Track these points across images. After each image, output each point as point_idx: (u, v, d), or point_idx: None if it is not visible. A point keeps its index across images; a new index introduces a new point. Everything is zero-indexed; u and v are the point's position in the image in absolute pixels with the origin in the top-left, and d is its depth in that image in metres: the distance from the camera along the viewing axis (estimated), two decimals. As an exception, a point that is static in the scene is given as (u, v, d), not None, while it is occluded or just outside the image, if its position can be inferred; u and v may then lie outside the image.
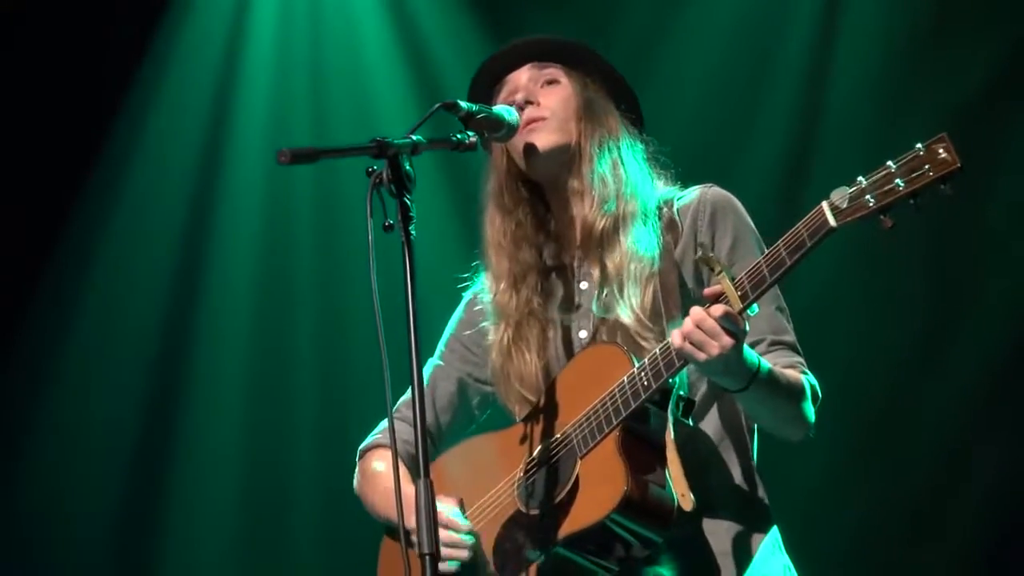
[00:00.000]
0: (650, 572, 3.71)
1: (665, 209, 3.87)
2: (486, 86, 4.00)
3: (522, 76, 3.95)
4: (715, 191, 3.90)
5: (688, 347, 3.46)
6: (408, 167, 3.48)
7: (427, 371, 4.07)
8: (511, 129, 3.81)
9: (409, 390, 3.77)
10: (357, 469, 4.10)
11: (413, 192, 3.48)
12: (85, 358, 6.94)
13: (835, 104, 6.43)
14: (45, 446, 6.94)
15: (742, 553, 3.75)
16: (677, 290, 3.79)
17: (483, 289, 4.05)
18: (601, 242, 3.83)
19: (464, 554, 3.74)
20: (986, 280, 6.24)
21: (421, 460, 3.35)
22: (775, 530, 3.83)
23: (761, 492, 3.83)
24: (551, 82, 3.94)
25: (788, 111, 6.50)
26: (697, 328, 3.45)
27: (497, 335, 3.92)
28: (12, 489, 6.90)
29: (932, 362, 6.26)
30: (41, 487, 6.91)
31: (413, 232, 3.45)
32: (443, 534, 3.68)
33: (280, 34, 6.92)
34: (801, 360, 3.77)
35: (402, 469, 3.66)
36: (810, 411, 3.73)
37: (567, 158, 3.90)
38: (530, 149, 3.87)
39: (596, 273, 3.84)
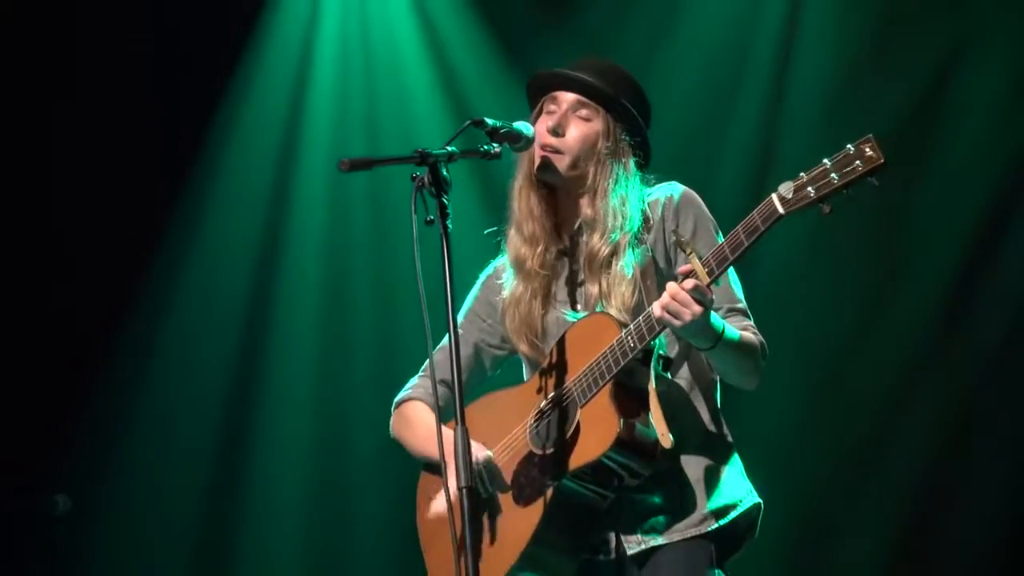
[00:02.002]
0: (638, 497, 3.79)
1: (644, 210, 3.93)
2: (538, 90, 4.00)
3: (563, 103, 3.94)
4: (682, 188, 3.95)
5: (666, 315, 3.58)
6: (445, 172, 3.60)
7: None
8: (528, 141, 3.87)
9: (436, 351, 4.00)
10: (393, 417, 4.16)
11: (449, 193, 3.59)
12: (172, 357, 6.81)
13: (795, 103, 6.39)
14: (137, 443, 6.72)
15: (712, 479, 3.83)
16: (654, 275, 3.88)
17: (497, 270, 4.11)
18: (600, 263, 3.87)
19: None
20: (921, 251, 6.22)
21: (458, 410, 3.48)
22: (737, 460, 3.90)
23: (726, 430, 3.89)
24: (585, 119, 3.93)
25: (755, 109, 6.45)
26: (673, 300, 3.56)
27: (513, 287, 3.99)
28: (102, 488, 6.64)
29: (872, 323, 6.25)
30: (132, 483, 6.72)
31: (450, 226, 3.56)
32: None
33: (340, 66, 6.92)
34: (752, 324, 3.84)
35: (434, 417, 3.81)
36: (762, 365, 3.83)
37: (580, 188, 3.93)
38: (542, 171, 3.94)
39: (587, 286, 3.91)
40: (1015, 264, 6.11)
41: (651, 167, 4.01)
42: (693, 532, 3.79)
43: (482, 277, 4.17)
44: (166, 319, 6.81)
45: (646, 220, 3.91)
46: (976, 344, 6.14)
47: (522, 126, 3.87)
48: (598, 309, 3.86)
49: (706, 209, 3.94)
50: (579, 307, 3.95)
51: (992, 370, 6.11)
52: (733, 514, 3.83)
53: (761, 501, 3.90)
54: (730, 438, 3.90)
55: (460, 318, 4.12)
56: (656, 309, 3.59)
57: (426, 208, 3.56)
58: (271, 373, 6.89)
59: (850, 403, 6.24)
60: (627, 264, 3.85)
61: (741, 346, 3.74)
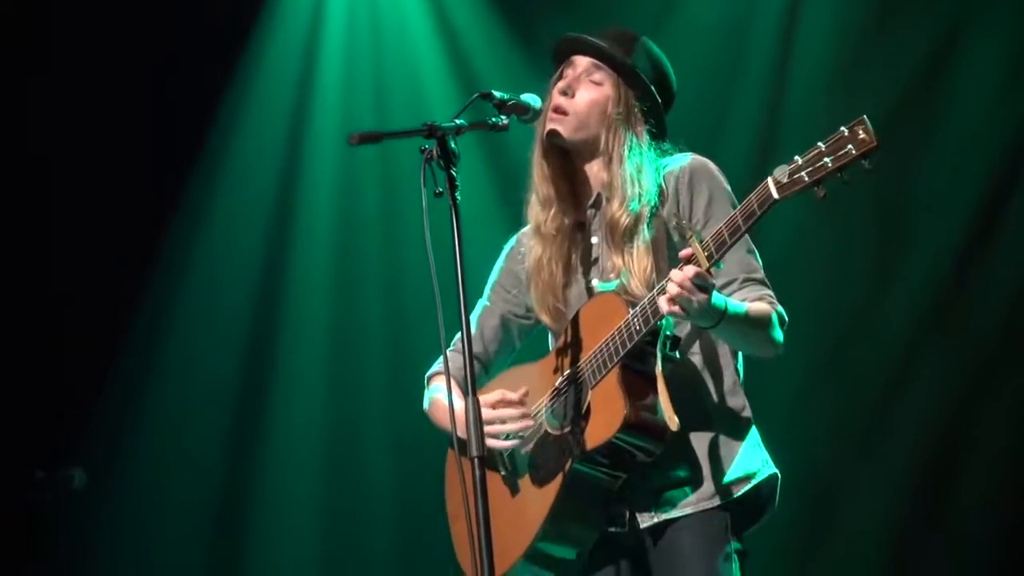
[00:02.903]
0: (651, 473, 3.78)
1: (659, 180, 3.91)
2: (559, 56, 4.00)
3: (578, 67, 3.94)
4: (694, 158, 3.93)
5: (674, 308, 3.55)
6: (453, 145, 3.59)
7: (477, 311, 4.14)
8: (536, 113, 3.86)
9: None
10: (425, 394, 4.15)
11: (458, 165, 3.58)
12: (189, 333, 6.81)
13: (796, 83, 6.40)
14: (154, 419, 6.71)
15: (727, 452, 3.82)
16: (665, 247, 3.87)
17: (520, 241, 4.11)
18: (622, 234, 3.85)
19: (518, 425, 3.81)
20: (924, 224, 6.25)
21: (469, 381, 3.50)
22: (755, 432, 3.88)
23: (743, 403, 3.87)
24: (596, 83, 3.93)
25: (756, 91, 6.46)
26: (679, 291, 3.53)
27: (536, 254, 3.98)
28: (111, 492, 6.58)
29: (877, 293, 6.27)
30: (142, 480, 6.68)
31: (458, 197, 3.56)
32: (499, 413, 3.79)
33: (347, 41, 6.93)
34: (770, 292, 3.81)
35: (458, 391, 3.76)
36: (778, 335, 3.79)
37: (592, 153, 3.93)
38: (550, 133, 3.93)
39: (610, 258, 3.90)
40: (1018, 234, 6.12)
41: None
42: (706, 505, 3.80)
43: (505, 249, 4.17)
44: (181, 297, 6.81)
45: (661, 193, 3.89)
46: (981, 314, 6.15)
47: (529, 98, 3.85)
48: (620, 281, 3.84)
49: (722, 178, 3.92)
50: (601, 278, 3.93)
51: (998, 339, 6.12)
52: (747, 486, 3.82)
53: (778, 471, 3.88)
54: (747, 411, 3.88)
55: (487, 290, 4.15)
56: (663, 304, 3.57)
57: (435, 180, 3.56)
58: (284, 349, 6.89)
59: (856, 373, 6.26)
60: (647, 237, 3.84)
61: (748, 319, 3.72)
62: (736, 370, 3.90)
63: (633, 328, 3.67)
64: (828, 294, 6.23)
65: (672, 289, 3.53)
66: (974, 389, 6.16)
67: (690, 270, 3.52)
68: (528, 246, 4.03)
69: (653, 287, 3.71)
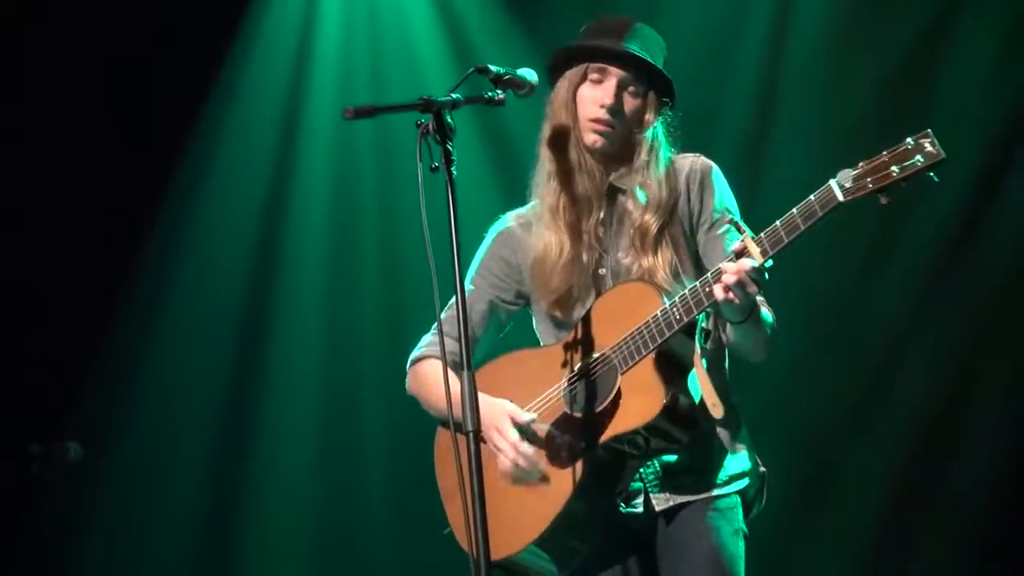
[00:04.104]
0: (666, 458, 3.86)
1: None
2: (584, 53, 3.97)
3: (613, 76, 3.93)
4: (703, 160, 3.99)
5: (730, 295, 3.59)
6: (449, 120, 3.56)
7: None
8: (532, 88, 3.83)
9: (447, 309, 4.01)
10: (409, 375, 4.15)
11: (454, 140, 3.55)
12: (183, 309, 6.79)
13: (794, 55, 6.38)
14: (149, 393, 6.69)
15: (732, 444, 3.93)
16: (683, 242, 3.93)
17: (511, 227, 4.10)
18: (650, 238, 3.89)
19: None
20: (922, 198, 6.16)
21: (464, 356, 3.49)
22: (744, 428, 3.98)
23: (735, 400, 3.96)
24: (634, 95, 3.94)
25: (755, 59, 6.44)
26: (737, 282, 3.58)
27: (546, 241, 3.98)
28: (99, 486, 6.57)
29: (873, 271, 6.27)
30: (137, 455, 6.64)
31: (455, 172, 3.54)
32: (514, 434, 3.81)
33: (344, 15, 6.89)
34: (763, 299, 3.85)
35: (452, 375, 3.73)
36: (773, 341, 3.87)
37: (625, 158, 3.95)
38: (592, 146, 3.94)
39: (637, 256, 3.92)
40: (1017, 207, 6.12)
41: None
42: (717, 492, 3.89)
43: (493, 232, 4.16)
44: (176, 273, 6.80)
45: (675, 189, 3.96)
46: (978, 287, 6.15)
47: (526, 72, 3.83)
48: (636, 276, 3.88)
49: (727, 184, 3.99)
50: (614, 269, 3.96)
51: (995, 313, 6.14)
52: (746, 480, 3.93)
53: (766, 471, 4.00)
54: (737, 408, 3.97)
55: (472, 273, 4.12)
56: (718, 291, 3.61)
57: (431, 155, 3.54)
58: (280, 326, 6.88)
59: (851, 352, 6.28)
60: (670, 235, 3.90)
61: (763, 322, 3.79)
62: (726, 370, 3.98)
63: (673, 317, 3.71)
64: (822, 273, 6.23)
65: (729, 278, 3.57)
66: (968, 369, 6.17)
67: (747, 263, 3.57)
68: (536, 232, 4.02)
69: (678, 279, 3.82)
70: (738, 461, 3.93)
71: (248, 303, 6.85)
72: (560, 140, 3.98)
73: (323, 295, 6.86)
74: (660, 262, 3.86)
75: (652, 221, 3.89)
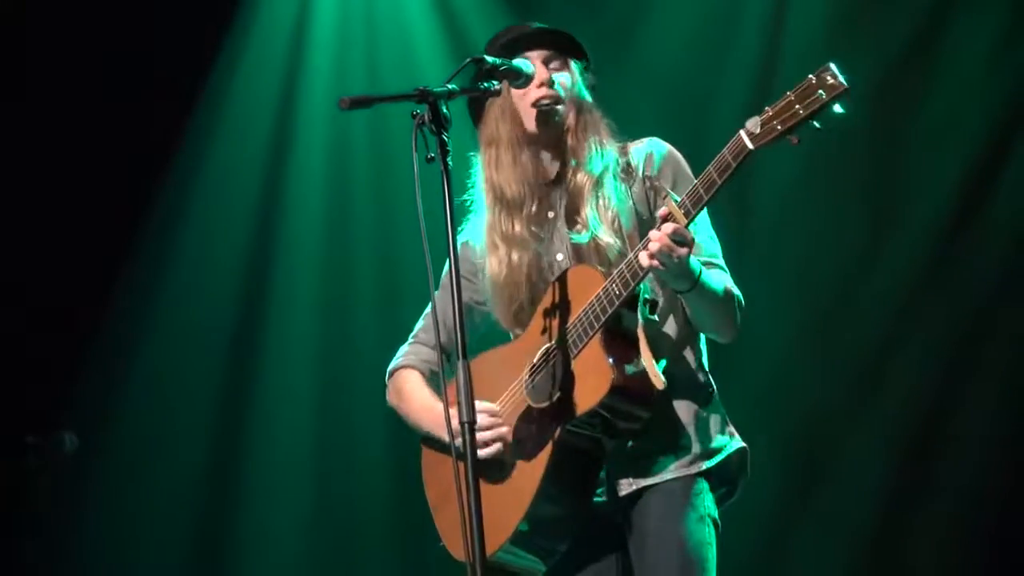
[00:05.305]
0: (630, 441, 3.82)
1: (622, 157, 3.97)
2: (506, 48, 3.98)
3: (535, 60, 3.95)
4: (659, 143, 3.99)
5: (655, 262, 3.59)
6: (445, 110, 3.56)
7: (436, 302, 3.92)
8: (528, 79, 3.87)
9: (422, 319, 4.10)
10: (389, 387, 4.18)
11: (449, 130, 3.55)
12: (179, 297, 6.78)
13: (792, 43, 6.37)
14: (145, 384, 6.69)
15: (699, 424, 3.87)
16: (635, 217, 3.90)
17: (472, 231, 4.08)
18: (586, 194, 3.90)
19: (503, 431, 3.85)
20: (919, 182, 6.24)
21: (459, 344, 3.47)
22: (721, 408, 3.93)
23: (711, 380, 3.93)
24: (559, 69, 3.97)
25: (752, 47, 6.42)
26: (660, 246, 3.57)
27: (495, 254, 3.98)
28: (91, 482, 6.57)
29: (869, 255, 6.26)
30: (133, 445, 6.65)
31: (450, 163, 3.53)
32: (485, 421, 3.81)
33: (340, 6, 6.88)
34: (728, 277, 3.86)
35: (429, 391, 3.93)
36: (738, 317, 3.84)
37: (567, 126, 3.96)
38: (544, 123, 3.94)
39: (578, 215, 3.92)
40: (1014, 190, 6.11)
41: (641, 113, 4.02)
42: (683, 472, 3.84)
43: (459, 238, 4.12)
44: (171, 264, 6.78)
45: (629, 169, 3.96)
46: (976, 271, 6.15)
47: (521, 63, 3.86)
48: (590, 234, 3.87)
49: (685, 162, 3.96)
50: (558, 236, 3.96)
51: (988, 311, 6.13)
52: (719, 457, 3.87)
53: (746, 446, 3.93)
54: (713, 388, 3.94)
55: (443, 279, 4.09)
56: (643, 258, 3.62)
57: (427, 146, 3.53)
58: (276, 313, 6.87)
59: (846, 337, 6.27)
60: (612, 192, 3.90)
61: (719, 292, 3.77)
62: (700, 350, 3.95)
63: (612, 293, 3.71)
64: (818, 257, 6.22)
65: (653, 246, 3.58)
66: (963, 355, 6.16)
67: (668, 226, 3.57)
68: (496, 253, 3.99)
69: (622, 236, 3.81)
70: (710, 438, 3.87)
71: (243, 297, 6.84)
72: (496, 151, 3.99)
73: (319, 286, 6.85)
74: (605, 215, 3.86)
75: (586, 180, 3.90)
